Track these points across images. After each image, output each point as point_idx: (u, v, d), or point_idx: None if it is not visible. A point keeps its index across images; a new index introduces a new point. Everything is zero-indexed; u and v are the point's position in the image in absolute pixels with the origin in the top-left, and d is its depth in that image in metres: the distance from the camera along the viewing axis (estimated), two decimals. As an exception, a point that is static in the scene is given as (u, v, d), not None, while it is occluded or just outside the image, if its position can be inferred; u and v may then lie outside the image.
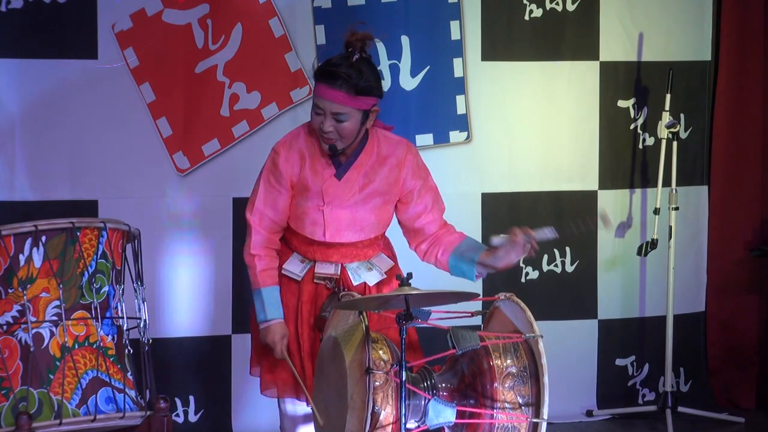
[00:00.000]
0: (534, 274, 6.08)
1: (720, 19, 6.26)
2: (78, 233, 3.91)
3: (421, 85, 5.86)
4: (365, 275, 4.36)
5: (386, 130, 4.43)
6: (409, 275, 3.88)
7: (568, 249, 6.11)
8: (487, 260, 4.26)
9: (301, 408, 4.38)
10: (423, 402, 3.89)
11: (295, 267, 4.36)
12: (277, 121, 5.70)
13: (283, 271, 4.36)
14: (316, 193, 4.29)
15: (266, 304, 4.30)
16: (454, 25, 5.87)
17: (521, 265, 6.04)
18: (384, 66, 5.79)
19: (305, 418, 4.37)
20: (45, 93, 5.47)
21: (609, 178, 6.15)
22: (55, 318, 3.87)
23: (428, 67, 5.86)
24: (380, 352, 3.91)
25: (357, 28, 4.27)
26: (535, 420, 3.91)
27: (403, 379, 3.78)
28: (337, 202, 4.30)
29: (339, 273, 4.33)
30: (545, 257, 6.08)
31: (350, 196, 4.30)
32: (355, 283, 4.34)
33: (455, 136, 5.93)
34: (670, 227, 5.94)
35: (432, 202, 4.41)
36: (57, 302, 3.88)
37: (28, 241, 3.86)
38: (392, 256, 4.49)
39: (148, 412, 4.02)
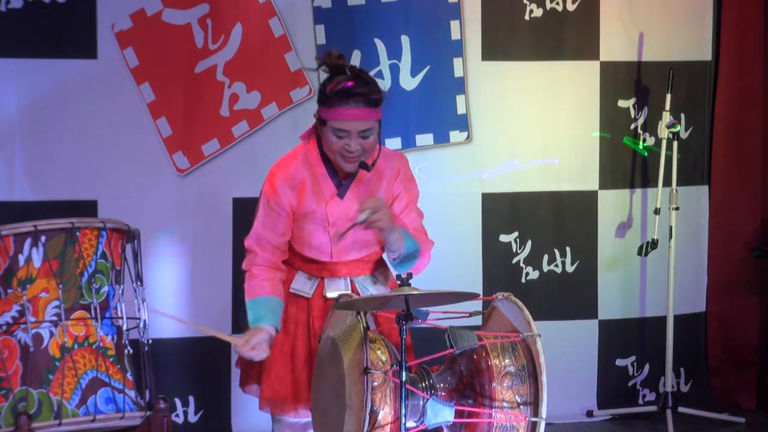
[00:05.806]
0: (534, 275, 6.07)
1: (720, 19, 6.25)
2: (77, 233, 3.90)
3: (422, 85, 5.86)
4: (371, 288, 4.32)
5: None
6: (409, 275, 3.87)
7: (568, 249, 6.11)
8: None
9: (298, 416, 4.35)
10: (421, 402, 3.89)
11: (303, 285, 4.31)
12: (276, 121, 5.70)
13: (291, 290, 4.31)
14: (320, 215, 4.22)
15: (270, 311, 4.23)
16: (454, 25, 5.87)
17: (521, 265, 6.05)
18: (384, 66, 5.79)
19: (304, 426, 4.35)
20: (45, 93, 5.47)
21: (609, 178, 6.15)
22: (54, 318, 3.86)
23: (428, 67, 5.86)
24: (378, 352, 3.91)
25: (326, 53, 4.18)
26: (533, 419, 3.91)
27: (403, 379, 3.78)
28: (342, 222, 4.22)
29: (350, 288, 4.29)
30: (545, 257, 6.08)
31: (353, 214, 4.19)
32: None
33: (455, 136, 5.93)
34: (671, 227, 5.93)
35: (406, 204, 4.31)
36: (56, 302, 3.86)
37: (28, 241, 3.85)
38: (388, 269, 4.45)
39: (148, 413, 4.00)
